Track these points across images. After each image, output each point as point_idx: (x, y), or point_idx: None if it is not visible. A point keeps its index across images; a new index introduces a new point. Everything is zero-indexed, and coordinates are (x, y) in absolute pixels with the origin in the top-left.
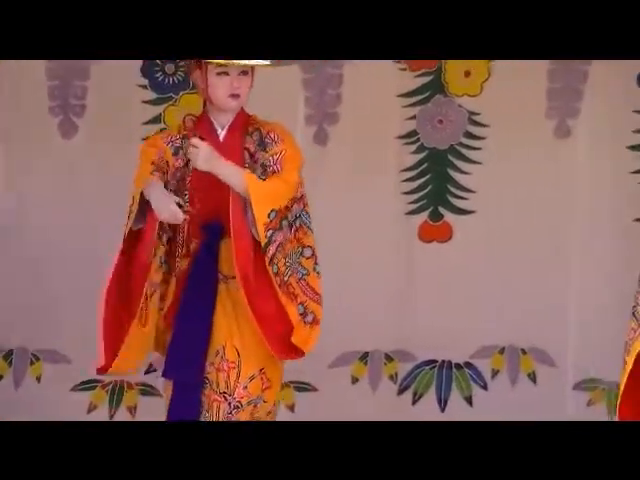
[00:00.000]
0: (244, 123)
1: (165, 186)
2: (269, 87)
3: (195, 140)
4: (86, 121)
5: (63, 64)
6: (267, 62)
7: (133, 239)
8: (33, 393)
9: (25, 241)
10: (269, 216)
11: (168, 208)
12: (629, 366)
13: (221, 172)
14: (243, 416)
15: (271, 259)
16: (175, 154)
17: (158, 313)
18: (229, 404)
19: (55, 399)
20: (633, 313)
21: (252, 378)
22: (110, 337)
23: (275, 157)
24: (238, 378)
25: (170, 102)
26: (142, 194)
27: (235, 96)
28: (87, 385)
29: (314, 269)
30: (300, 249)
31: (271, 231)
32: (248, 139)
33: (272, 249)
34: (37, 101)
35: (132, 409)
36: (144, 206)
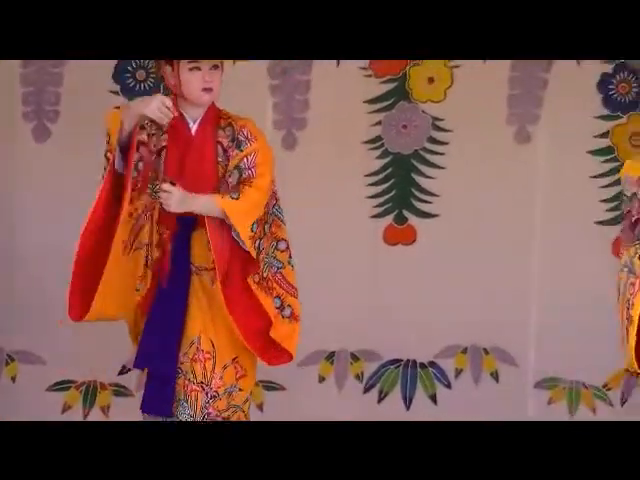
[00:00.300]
0: (215, 117)
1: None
2: (237, 92)
3: (166, 185)
4: (59, 126)
5: (37, 70)
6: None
7: (114, 186)
8: (8, 393)
9: None
10: (252, 229)
11: (155, 99)
12: (636, 320)
13: (196, 208)
14: (221, 405)
15: (260, 255)
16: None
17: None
18: (206, 394)
19: (30, 399)
20: (629, 270)
21: (226, 367)
22: (86, 278)
23: (249, 158)
24: (214, 369)
25: None
26: (120, 126)
27: (208, 90)
28: (61, 386)
29: (289, 262)
30: (275, 243)
31: (258, 241)
32: (220, 133)
33: (262, 254)
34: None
35: (105, 409)
36: (124, 145)
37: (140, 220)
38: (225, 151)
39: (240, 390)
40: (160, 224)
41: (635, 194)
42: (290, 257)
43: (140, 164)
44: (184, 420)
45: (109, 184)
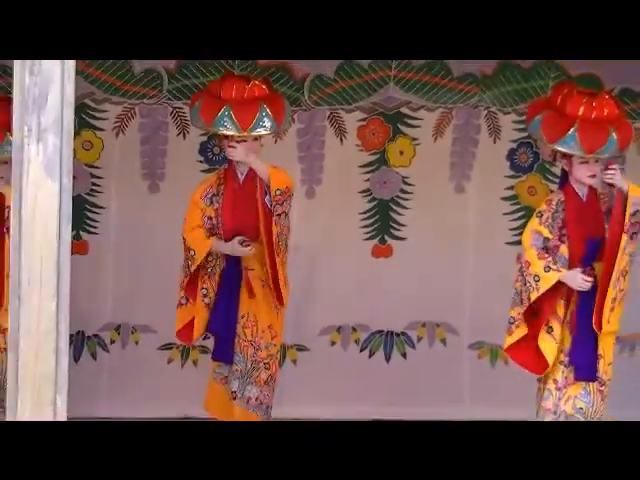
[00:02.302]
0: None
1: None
2: (277, 163)
3: (233, 142)
4: (165, 184)
5: (151, 147)
6: (273, 130)
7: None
8: (133, 351)
9: (124, 248)
10: (276, 192)
11: (238, 249)
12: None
13: (251, 160)
14: (262, 355)
15: (275, 223)
16: (210, 204)
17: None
18: (253, 347)
19: (146, 355)
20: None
21: (264, 331)
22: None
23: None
24: (257, 332)
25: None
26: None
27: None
28: (166, 347)
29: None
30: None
31: (277, 205)
32: (261, 183)
33: (276, 217)
34: None
35: (195, 362)
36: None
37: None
38: (266, 192)
39: (274, 345)
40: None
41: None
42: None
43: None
44: (238, 369)
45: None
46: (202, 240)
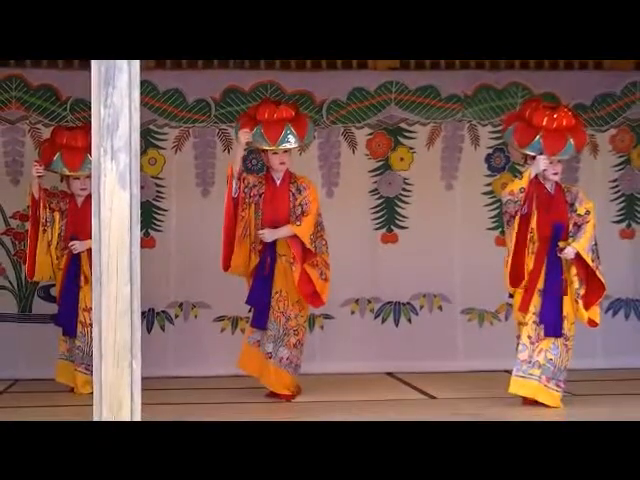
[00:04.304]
0: (289, 177)
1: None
2: (303, 170)
3: (260, 230)
4: (215, 188)
5: (203, 161)
6: (297, 144)
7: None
8: (192, 324)
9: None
10: (310, 238)
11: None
12: (512, 251)
13: (280, 235)
14: (292, 324)
15: (315, 250)
16: (248, 206)
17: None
18: (285, 317)
19: (204, 326)
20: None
21: (293, 304)
22: (228, 249)
23: (306, 199)
24: (288, 304)
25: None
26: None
27: (283, 164)
28: (220, 319)
29: (326, 251)
30: (321, 241)
31: (313, 243)
32: (291, 186)
33: (313, 247)
34: None
35: (243, 330)
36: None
37: (246, 222)
38: (293, 195)
39: (302, 316)
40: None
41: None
42: (327, 248)
43: (252, 192)
44: (272, 334)
45: (230, 200)
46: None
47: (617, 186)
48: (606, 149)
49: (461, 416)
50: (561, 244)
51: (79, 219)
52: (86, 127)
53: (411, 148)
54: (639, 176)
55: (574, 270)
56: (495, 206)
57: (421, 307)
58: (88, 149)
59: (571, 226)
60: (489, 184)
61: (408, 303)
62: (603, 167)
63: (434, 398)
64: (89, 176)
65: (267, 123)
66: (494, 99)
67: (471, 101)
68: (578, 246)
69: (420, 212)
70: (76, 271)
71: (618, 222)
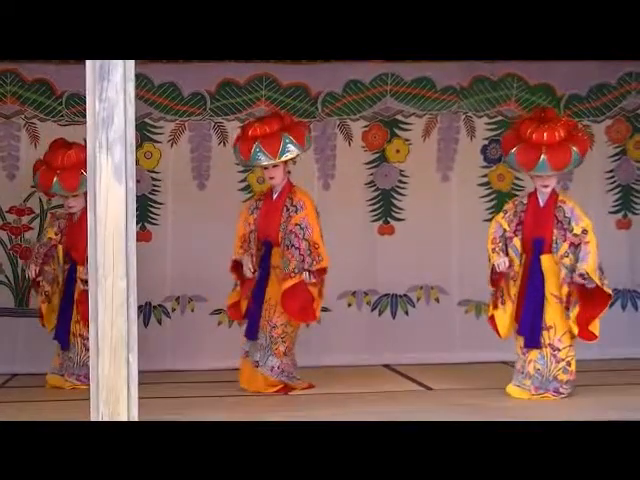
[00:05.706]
0: (287, 192)
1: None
2: (305, 162)
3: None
4: (210, 182)
5: (199, 154)
6: (296, 153)
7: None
8: (189, 316)
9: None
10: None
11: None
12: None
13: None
14: (278, 331)
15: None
16: (252, 213)
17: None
18: (270, 325)
19: (201, 318)
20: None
21: (280, 313)
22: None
23: (303, 220)
24: (274, 313)
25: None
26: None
27: (271, 178)
28: (216, 312)
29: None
30: (316, 257)
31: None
32: (287, 201)
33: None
34: None
35: (240, 323)
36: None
37: (248, 240)
38: (287, 209)
39: (290, 325)
40: (256, 247)
41: None
42: (322, 258)
43: (257, 205)
44: (260, 342)
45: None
46: (237, 249)
47: (613, 177)
48: (602, 140)
49: (458, 407)
50: (542, 258)
51: (74, 233)
52: (80, 146)
53: (407, 140)
54: (635, 167)
55: (565, 289)
56: (491, 197)
57: (418, 299)
58: (83, 166)
59: (567, 246)
60: (485, 175)
61: (405, 295)
62: (599, 158)
63: (431, 389)
64: (76, 195)
65: (263, 138)
66: (489, 90)
67: (467, 92)
68: (588, 268)
69: (416, 204)
70: (73, 288)
71: (614, 213)
